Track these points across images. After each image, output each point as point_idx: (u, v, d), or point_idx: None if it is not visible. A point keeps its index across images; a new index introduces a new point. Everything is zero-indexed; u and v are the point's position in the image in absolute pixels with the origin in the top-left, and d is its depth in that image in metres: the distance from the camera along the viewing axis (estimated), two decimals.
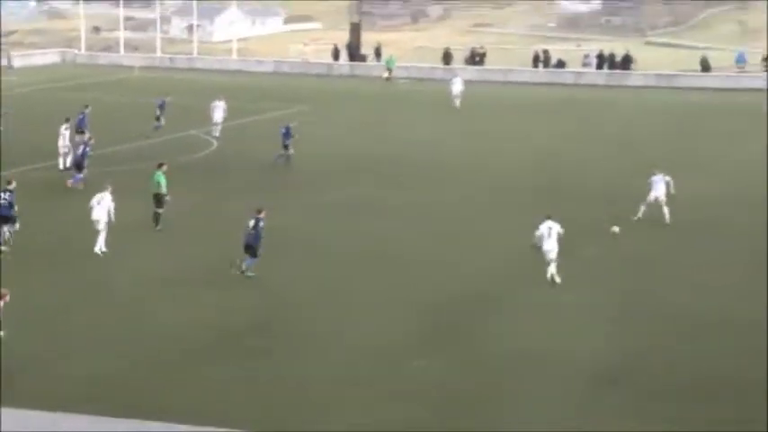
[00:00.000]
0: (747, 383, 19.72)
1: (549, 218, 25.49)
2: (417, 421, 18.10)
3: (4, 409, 15.87)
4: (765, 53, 72.40)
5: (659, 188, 30.96)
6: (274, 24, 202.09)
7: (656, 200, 30.97)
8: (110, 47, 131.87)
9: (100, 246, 27.64)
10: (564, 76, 71.02)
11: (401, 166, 39.81)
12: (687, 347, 21.75)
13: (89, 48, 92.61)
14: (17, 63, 77.30)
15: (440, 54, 76.56)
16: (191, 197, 33.78)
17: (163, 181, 30.37)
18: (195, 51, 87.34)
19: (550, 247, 25.04)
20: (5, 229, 28.16)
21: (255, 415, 18.15)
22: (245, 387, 19.40)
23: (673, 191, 31.08)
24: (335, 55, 78.29)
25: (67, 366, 20.35)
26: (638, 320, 23.34)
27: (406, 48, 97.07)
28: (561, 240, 25.18)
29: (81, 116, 40.99)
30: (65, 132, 38.56)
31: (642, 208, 31.11)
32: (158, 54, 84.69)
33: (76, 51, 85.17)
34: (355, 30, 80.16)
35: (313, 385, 19.58)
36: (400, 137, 46.69)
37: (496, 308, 24.15)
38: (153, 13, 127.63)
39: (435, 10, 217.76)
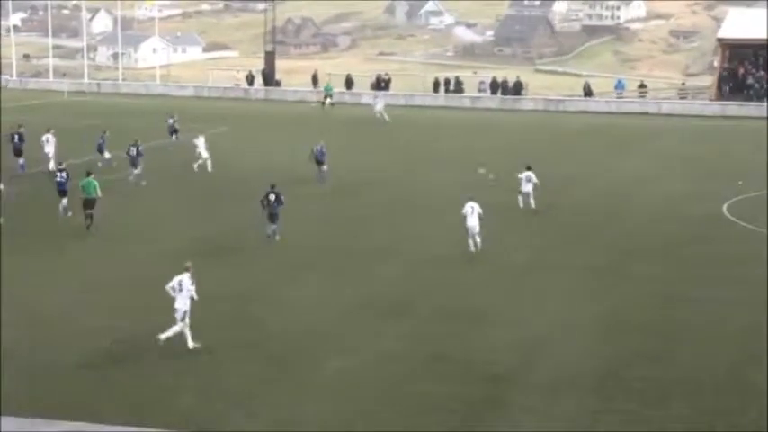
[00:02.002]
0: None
1: (471, 199, 28.88)
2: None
3: None
4: (641, 81, 74.01)
5: (527, 184, 34.44)
6: (195, 52, 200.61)
7: (526, 193, 34.48)
8: (39, 73, 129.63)
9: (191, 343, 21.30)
10: (462, 101, 71.56)
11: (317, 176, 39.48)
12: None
13: (20, 74, 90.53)
14: None
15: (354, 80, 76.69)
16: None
17: (97, 185, 31.48)
18: (121, 77, 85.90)
19: (473, 224, 28.57)
20: (65, 201, 32.49)
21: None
22: None
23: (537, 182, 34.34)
24: (250, 81, 77.91)
25: None
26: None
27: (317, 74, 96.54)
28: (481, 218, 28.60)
29: (101, 141, 42.74)
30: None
31: (519, 198, 34.43)
32: (86, 80, 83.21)
33: (8, 77, 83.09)
34: (270, 57, 79.70)
35: None
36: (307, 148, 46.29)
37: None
38: (80, 42, 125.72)
39: (344, 40, 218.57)
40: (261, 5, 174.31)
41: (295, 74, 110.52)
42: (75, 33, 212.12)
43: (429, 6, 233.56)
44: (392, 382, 19.31)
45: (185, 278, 21.06)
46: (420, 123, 60.99)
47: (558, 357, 20.70)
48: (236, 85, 78.47)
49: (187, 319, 20.89)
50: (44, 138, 42.03)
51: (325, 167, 40.11)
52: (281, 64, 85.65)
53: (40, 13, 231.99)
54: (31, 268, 27.08)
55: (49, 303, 24.04)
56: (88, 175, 32.21)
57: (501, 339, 21.69)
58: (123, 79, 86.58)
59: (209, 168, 41.56)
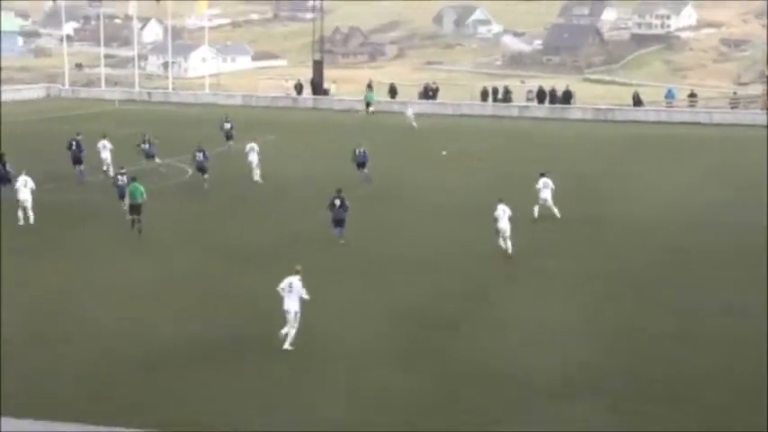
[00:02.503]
0: None
1: (502, 201, 29.50)
2: None
3: None
4: (691, 90, 73.20)
5: (546, 192, 34.33)
6: (244, 61, 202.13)
7: (545, 201, 34.14)
8: (92, 82, 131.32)
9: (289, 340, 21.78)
10: (510, 110, 71.31)
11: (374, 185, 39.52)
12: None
13: (72, 83, 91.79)
14: (4, 97, 76.34)
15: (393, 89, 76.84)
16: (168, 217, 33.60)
17: (143, 191, 32.12)
18: (170, 86, 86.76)
19: (504, 226, 29.14)
20: (124, 202, 33.28)
21: None
22: None
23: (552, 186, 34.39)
24: (299, 89, 78.33)
25: None
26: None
27: (364, 83, 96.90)
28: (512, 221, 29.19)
29: (148, 146, 43.81)
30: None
31: (536, 208, 34.04)
32: (137, 89, 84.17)
33: (60, 86, 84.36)
34: (318, 66, 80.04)
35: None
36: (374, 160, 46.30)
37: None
38: (131, 52, 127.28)
39: (391, 49, 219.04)
40: (309, 15, 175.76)
41: (343, 83, 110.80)
42: (126, 43, 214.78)
43: (477, 15, 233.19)
44: (433, 394, 19.28)
45: (295, 280, 21.55)
46: (467, 132, 60.84)
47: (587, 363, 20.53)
48: (287, 94, 78.84)
49: (296, 323, 21.29)
50: (100, 144, 42.86)
51: (366, 170, 40.68)
52: (329, 73, 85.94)
53: (93, 22, 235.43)
54: (91, 273, 27.45)
55: (113, 307, 24.33)
56: (134, 180, 32.99)
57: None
58: (173, 88, 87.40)
59: (256, 177, 41.51)
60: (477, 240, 31.07)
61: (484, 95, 74.47)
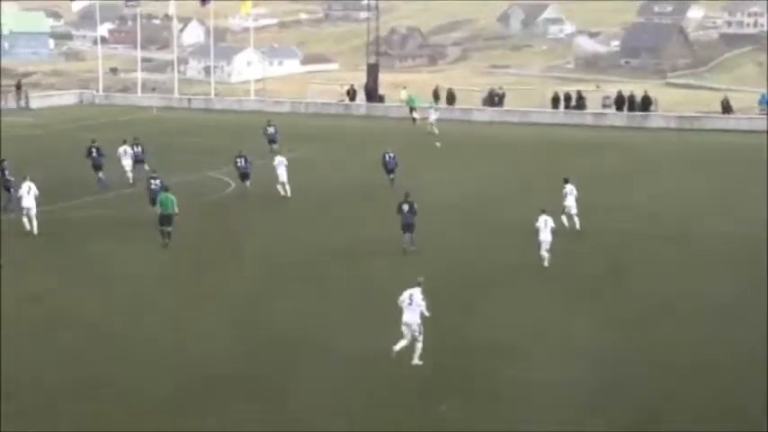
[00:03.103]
0: None
1: (544, 211, 30.88)
2: None
3: None
4: None
5: (570, 199, 35.38)
6: (292, 65, 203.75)
7: (569, 209, 34.90)
8: (127, 88, 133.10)
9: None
10: (584, 118, 70.93)
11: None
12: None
13: (107, 89, 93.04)
14: (35, 104, 77.72)
15: (456, 95, 76.83)
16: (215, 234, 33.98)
17: (174, 201, 33.15)
18: (212, 92, 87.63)
19: (546, 238, 30.44)
20: (156, 209, 34.29)
21: None
22: None
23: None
24: (352, 95, 78.56)
25: None
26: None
27: (422, 88, 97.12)
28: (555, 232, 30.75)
29: (140, 150, 44.79)
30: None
31: (564, 217, 34.70)
32: (176, 95, 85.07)
33: (94, 92, 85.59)
34: (373, 70, 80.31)
35: None
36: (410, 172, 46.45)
37: None
38: (170, 55, 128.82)
39: (453, 51, 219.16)
40: (363, 14, 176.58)
41: (400, 88, 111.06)
42: (165, 45, 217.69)
43: (548, 14, 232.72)
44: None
45: (416, 292, 22.22)
46: (535, 142, 60.60)
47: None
48: (340, 101, 79.26)
49: (420, 336, 22.07)
50: (121, 150, 44.11)
51: (392, 176, 42.64)
52: (384, 77, 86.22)
53: (129, 23, 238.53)
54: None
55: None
56: (166, 189, 33.78)
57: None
58: (215, 94, 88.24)
59: (283, 192, 41.52)
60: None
61: (555, 102, 74.13)
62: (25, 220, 34.46)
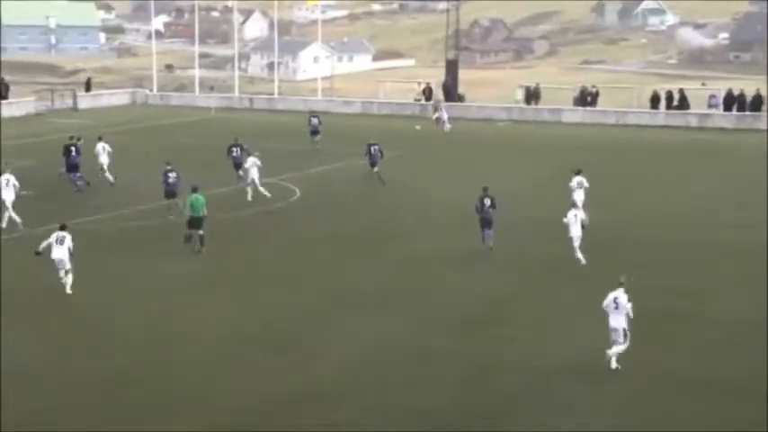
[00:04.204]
0: None
1: (574, 206, 33.25)
2: None
3: None
4: None
5: (579, 193, 37.27)
6: (363, 61, 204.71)
7: (574, 203, 35.56)
8: (183, 86, 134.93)
9: None
10: (687, 119, 70.24)
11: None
12: None
13: (161, 87, 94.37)
14: (83, 104, 79.05)
15: (549, 93, 76.65)
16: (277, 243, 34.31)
17: (204, 202, 33.76)
18: (276, 91, 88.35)
19: (577, 233, 32.13)
20: (176, 201, 37.76)
21: None
22: None
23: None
24: (428, 94, 78.67)
25: None
26: None
27: (507, 87, 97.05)
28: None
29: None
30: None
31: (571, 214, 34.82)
32: (236, 94, 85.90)
33: (148, 91, 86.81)
34: (452, 67, 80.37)
35: None
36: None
37: None
38: (231, 50, 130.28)
39: (541, 45, 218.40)
40: (442, 5, 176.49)
41: (481, 86, 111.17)
42: (225, 40, 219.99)
43: (647, 4, 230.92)
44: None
45: (620, 294, 23.11)
46: (631, 146, 60.15)
47: None
48: (416, 100, 79.43)
49: (626, 340, 22.96)
50: (99, 146, 45.77)
51: (377, 170, 44.90)
52: (465, 74, 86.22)
53: (186, 16, 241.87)
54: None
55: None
56: (194, 190, 33.99)
57: None
58: (279, 93, 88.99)
59: (252, 194, 42.47)
60: None
61: (654, 101, 73.52)
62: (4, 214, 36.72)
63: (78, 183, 44.36)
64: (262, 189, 42.29)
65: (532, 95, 76.26)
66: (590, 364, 23.62)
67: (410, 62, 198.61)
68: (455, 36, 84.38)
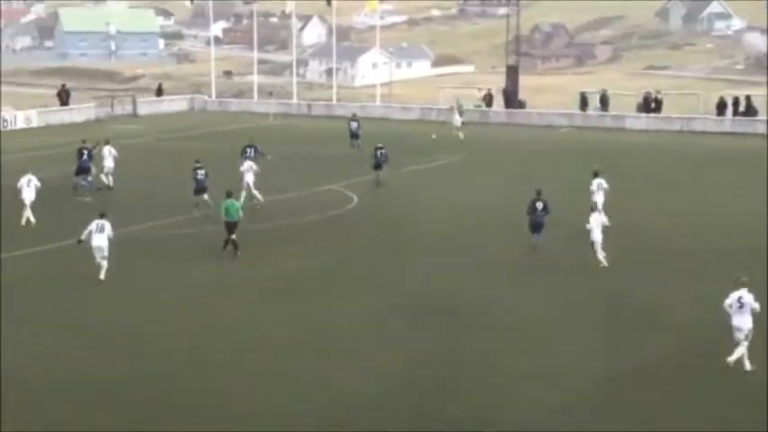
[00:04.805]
0: None
1: (593, 210, 33.33)
2: None
3: None
4: None
5: (599, 195, 37.76)
6: (422, 67, 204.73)
7: (594, 205, 35.75)
8: (242, 92, 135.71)
9: None
10: (755, 126, 69.37)
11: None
12: None
13: (219, 93, 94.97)
14: (143, 110, 79.85)
15: (612, 99, 76.08)
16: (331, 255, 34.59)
17: (239, 207, 34.64)
18: (335, 97, 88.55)
19: (598, 238, 32.41)
20: (205, 197, 40.17)
21: None
22: None
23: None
24: (488, 101, 78.53)
25: None
26: None
27: (568, 92, 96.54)
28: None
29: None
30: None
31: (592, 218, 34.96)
32: (294, 100, 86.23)
33: (206, 97, 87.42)
34: (512, 73, 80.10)
35: None
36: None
37: None
38: (289, 56, 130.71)
39: (603, 50, 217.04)
40: (502, 10, 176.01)
41: (542, 92, 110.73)
42: (283, 46, 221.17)
43: (714, 8, 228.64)
44: None
45: (744, 293, 23.21)
46: (696, 153, 59.55)
47: None
48: (476, 106, 79.27)
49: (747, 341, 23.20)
50: (105, 150, 46.64)
51: (383, 173, 47.46)
52: (525, 80, 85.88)
53: (245, 22, 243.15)
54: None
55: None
56: (229, 195, 34.83)
57: None
58: (337, 100, 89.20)
59: (254, 200, 42.68)
60: None
61: (721, 107, 72.77)
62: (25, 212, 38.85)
63: (83, 183, 45.41)
64: (256, 192, 42.74)
65: (601, 102, 75.51)
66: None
67: (470, 68, 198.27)
68: (515, 41, 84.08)
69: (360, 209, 43.35)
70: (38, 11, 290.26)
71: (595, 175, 38.72)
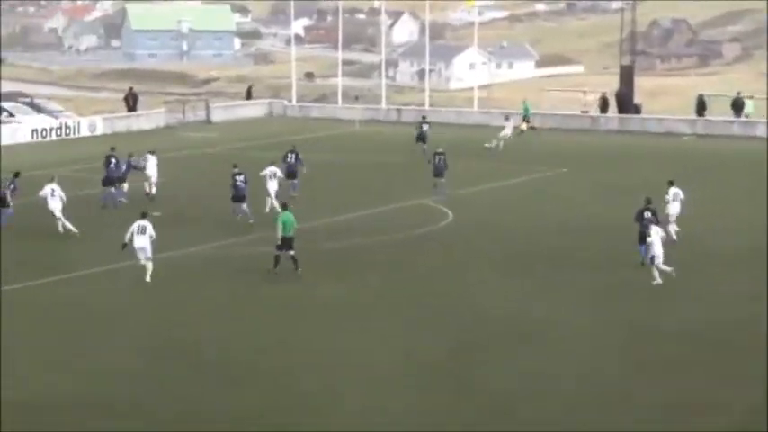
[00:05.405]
0: None
1: (651, 223, 34.07)
2: None
3: None
4: None
5: (675, 206, 38.76)
6: (525, 68, 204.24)
7: (670, 217, 37.92)
8: (325, 97, 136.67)
9: None
10: None
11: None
12: None
13: (300, 98, 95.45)
14: (217, 117, 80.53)
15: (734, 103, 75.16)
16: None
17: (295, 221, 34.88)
18: (427, 101, 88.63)
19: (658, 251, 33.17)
20: (243, 206, 41.96)
21: None
22: None
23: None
24: (602, 105, 77.83)
25: None
26: None
27: (689, 96, 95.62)
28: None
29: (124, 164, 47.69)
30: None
31: (670, 228, 37.32)
32: (383, 105, 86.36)
33: (286, 102, 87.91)
34: (627, 74, 79.43)
35: None
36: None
37: None
38: (377, 57, 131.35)
39: (731, 49, 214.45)
40: (616, 4, 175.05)
41: (661, 96, 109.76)
42: (371, 45, 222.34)
43: None
44: None
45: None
46: None
47: None
48: (584, 112, 78.74)
49: None
50: (145, 157, 48.21)
51: (444, 180, 47.70)
52: (642, 82, 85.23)
53: (329, 18, 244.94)
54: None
55: None
56: (285, 208, 35.48)
57: None
58: (430, 104, 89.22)
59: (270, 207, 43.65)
60: None
61: None
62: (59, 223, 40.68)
63: (118, 199, 46.31)
64: (275, 202, 43.26)
65: (734, 107, 74.34)
66: None
67: (578, 69, 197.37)
68: (631, 39, 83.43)
69: (455, 226, 43.29)
70: (104, 8, 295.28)
71: (671, 184, 39.65)
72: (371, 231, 41.65)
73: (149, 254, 33.67)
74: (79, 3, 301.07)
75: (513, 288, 34.05)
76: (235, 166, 43.03)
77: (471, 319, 30.73)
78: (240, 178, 42.07)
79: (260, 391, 25.22)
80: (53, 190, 41.15)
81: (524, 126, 68.94)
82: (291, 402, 24.52)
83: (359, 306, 32.18)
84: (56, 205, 40.99)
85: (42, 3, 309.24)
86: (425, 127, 60.81)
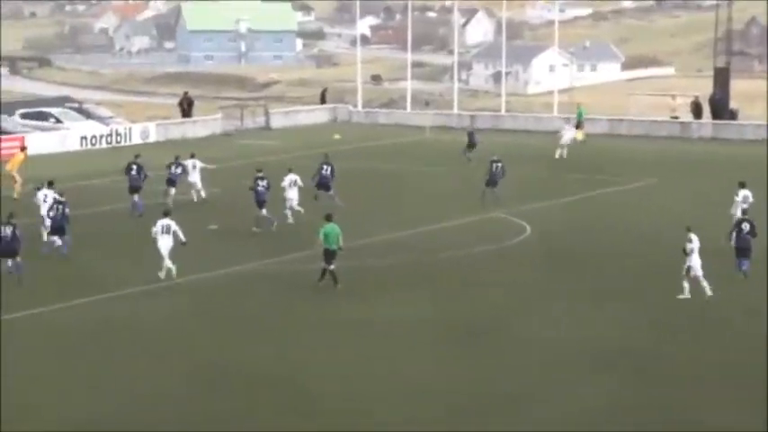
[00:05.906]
0: None
1: (689, 229, 34.19)
2: None
3: None
4: None
5: (737, 207, 39.57)
6: (610, 70, 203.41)
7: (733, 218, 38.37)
8: (393, 101, 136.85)
9: None
10: None
11: None
12: None
13: (366, 103, 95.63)
14: (277, 123, 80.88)
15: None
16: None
17: (340, 234, 34.83)
18: (503, 107, 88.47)
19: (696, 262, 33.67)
20: (263, 211, 43.17)
21: None
22: None
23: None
24: (695, 111, 77.26)
25: None
26: None
27: None
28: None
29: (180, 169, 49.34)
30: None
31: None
32: (455, 110, 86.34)
33: (351, 107, 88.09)
34: (722, 76, 78.83)
35: None
36: None
37: None
38: (449, 58, 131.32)
39: None
40: (709, 1, 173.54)
41: (760, 100, 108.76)
42: (442, 46, 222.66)
43: None
44: None
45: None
46: None
47: None
48: (673, 117, 78.28)
49: None
50: (189, 163, 49.61)
51: (497, 189, 48.66)
52: (738, 85, 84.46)
53: (397, 17, 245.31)
54: None
55: None
56: (329, 219, 35.15)
57: None
58: (507, 110, 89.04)
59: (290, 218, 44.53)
60: None
61: None
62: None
63: (138, 208, 46.86)
64: (293, 209, 44.72)
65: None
66: None
67: (669, 71, 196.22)
68: (726, 38, 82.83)
69: (533, 240, 43.21)
70: (157, 7, 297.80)
71: (742, 186, 40.83)
72: (445, 246, 41.68)
73: (170, 253, 35.65)
74: (131, 1, 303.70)
75: (597, 309, 33.97)
76: (259, 171, 44.38)
77: (556, 341, 30.80)
78: (262, 183, 43.44)
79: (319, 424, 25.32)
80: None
81: (580, 135, 68.34)
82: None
83: (423, 327, 32.15)
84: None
85: (92, 1, 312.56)
86: (475, 137, 62.40)
